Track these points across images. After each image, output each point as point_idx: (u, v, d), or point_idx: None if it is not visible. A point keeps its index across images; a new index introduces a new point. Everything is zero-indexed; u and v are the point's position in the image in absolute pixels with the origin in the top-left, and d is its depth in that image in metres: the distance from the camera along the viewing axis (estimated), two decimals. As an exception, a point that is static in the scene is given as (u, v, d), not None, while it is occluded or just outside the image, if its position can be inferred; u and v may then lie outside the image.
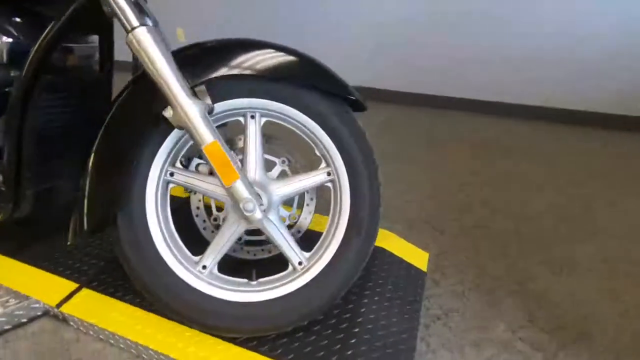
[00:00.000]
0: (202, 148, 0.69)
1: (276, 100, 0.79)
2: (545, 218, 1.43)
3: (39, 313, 0.98)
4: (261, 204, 0.73)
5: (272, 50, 0.78)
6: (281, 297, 0.82)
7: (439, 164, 1.79)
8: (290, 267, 0.86)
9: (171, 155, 0.80)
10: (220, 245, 0.83)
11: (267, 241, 0.95)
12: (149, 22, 0.68)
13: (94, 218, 0.74)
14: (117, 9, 0.65)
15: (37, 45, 0.78)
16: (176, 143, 0.80)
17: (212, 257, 0.83)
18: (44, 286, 1.01)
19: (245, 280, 0.85)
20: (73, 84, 0.90)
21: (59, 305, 0.96)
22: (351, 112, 0.84)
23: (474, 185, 1.61)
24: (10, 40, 0.84)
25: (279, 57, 0.77)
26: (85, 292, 1.01)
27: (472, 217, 1.41)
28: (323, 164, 0.86)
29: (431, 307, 1.02)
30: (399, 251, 1.14)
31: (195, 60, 0.75)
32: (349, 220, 0.84)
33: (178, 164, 0.83)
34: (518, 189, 1.63)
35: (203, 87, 0.73)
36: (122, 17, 0.66)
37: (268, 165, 0.96)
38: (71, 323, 0.95)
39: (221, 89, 0.77)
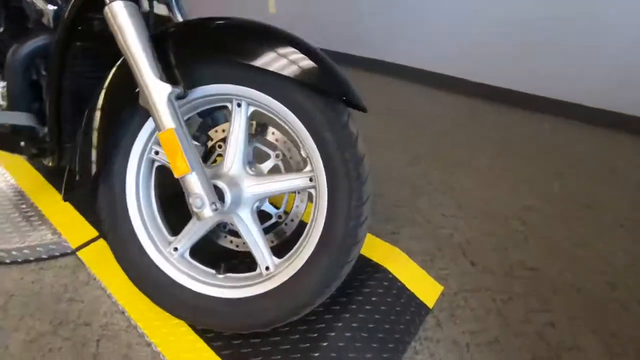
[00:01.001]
0: (157, 133, 0.66)
1: (262, 91, 0.71)
2: None
3: (67, 251, 1.13)
4: (214, 202, 0.68)
5: (270, 37, 0.70)
6: (240, 299, 0.78)
7: (517, 179, 1.48)
8: (257, 270, 0.81)
9: (155, 134, 0.79)
10: (193, 231, 0.81)
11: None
12: (128, -2, 0.66)
13: (81, 178, 0.78)
14: None
15: (67, 12, 0.84)
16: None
17: (183, 241, 0.82)
18: (74, 228, 1.15)
19: (214, 272, 0.83)
20: (103, 50, 0.94)
21: (77, 249, 1.09)
22: (345, 114, 0.71)
23: (543, 214, 1.28)
24: (55, 7, 0.91)
25: (274, 46, 0.68)
26: (101, 242, 1.12)
27: (521, 254, 1.14)
28: (308, 167, 0.76)
29: (420, 352, 0.86)
30: (406, 277, 0.99)
31: (184, 39, 0.71)
32: (321, 235, 0.74)
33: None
34: (601, 233, 1.25)
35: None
36: None
37: (262, 158, 0.90)
38: (84, 267, 1.08)
39: (205, 72, 0.72)
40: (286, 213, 0.94)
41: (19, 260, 1.11)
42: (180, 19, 0.93)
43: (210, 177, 0.78)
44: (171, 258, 0.82)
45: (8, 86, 0.98)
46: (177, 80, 0.70)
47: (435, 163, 1.58)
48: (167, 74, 0.69)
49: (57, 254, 1.13)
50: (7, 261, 1.11)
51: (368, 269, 1.00)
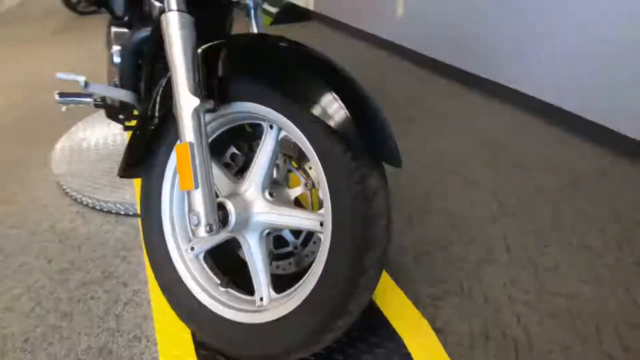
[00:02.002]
0: (175, 144, 0.67)
1: (292, 121, 0.66)
2: None
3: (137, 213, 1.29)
4: (210, 224, 0.65)
5: (315, 70, 0.65)
6: (227, 320, 0.77)
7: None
8: (254, 297, 0.78)
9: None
10: (206, 237, 0.83)
11: (294, 252, 0.89)
12: (184, 9, 0.67)
13: (132, 161, 0.85)
14: None
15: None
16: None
17: (200, 243, 0.84)
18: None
19: (218, 282, 0.84)
20: None
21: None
22: (367, 167, 0.61)
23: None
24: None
25: (316, 80, 0.63)
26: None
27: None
28: (322, 210, 0.68)
29: None
30: (422, 354, 0.83)
31: (228, 54, 0.70)
32: (313, 288, 0.66)
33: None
34: None
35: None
36: None
37: (295, 183, 0.85)
38: (142, 232, 1.22)
39: (241, 89, 0.71)
40: (304, 246, 0.88)
41: (104, 209, 1.32)
42: (255, 29, 0.93)
43: (228, 192, 0.78)
44: (186, 256, 0.85)
45: (121, 66, 1.15)
46: (211, 94, 0.69)
47: (527, 226, 1.28)
48: (203, 87, 0.69)
49: (130, 213, 1.31)
50: (97, 208, 1.33)
51: (382, 331, 0.87)
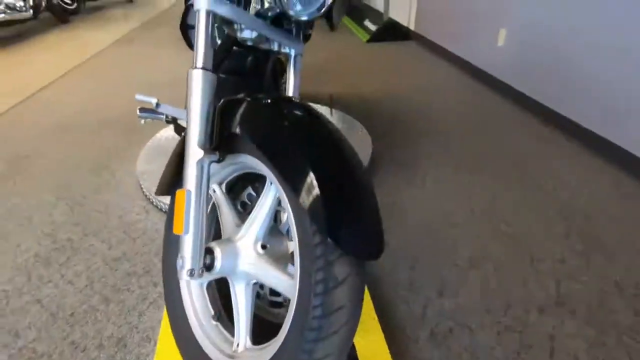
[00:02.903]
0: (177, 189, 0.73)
1: (284, 188, 0.67)
2: None
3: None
4: (192, 270, 0.70)
5: (319, 148, 0.65)
6: (205, 354, 0.81)
7: None
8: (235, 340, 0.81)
9: (217, 174, 0.88)
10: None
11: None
12: (210, 68, 0.73)
13: (165, 179, 0.96)
14: (195, 44, 0.74)
15: (217, 47, 1.02)
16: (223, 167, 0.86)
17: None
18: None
19: (212, 313, 0.89)
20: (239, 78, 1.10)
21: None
22: (339, 254, 0.59)
23: None
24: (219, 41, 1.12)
25: (317, 158, 0.62)
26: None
27: None
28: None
29: None
30: None
31: (244, 111, 0.74)
32: (278, 350, 0.66)
33: (222, 187, 0.90)
34: None
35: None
36: (195, 52, 0.74)
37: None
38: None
39: (248, 145, 0.74)
40: (293, 300, 0.88)
41: (163, 210, 1.51)
42: (292, 78, 0.95)
43: (228, 234, 0.82)
44: (185, 278, 0.92)
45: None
46: (219, 146, 0.74)
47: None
48: (214, 138, 0.74)
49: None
50: (158, 207, 1.53)
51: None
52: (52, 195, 1.63)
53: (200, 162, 0.72)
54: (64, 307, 1.13)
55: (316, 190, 0.57)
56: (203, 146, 0.72)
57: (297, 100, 0.78)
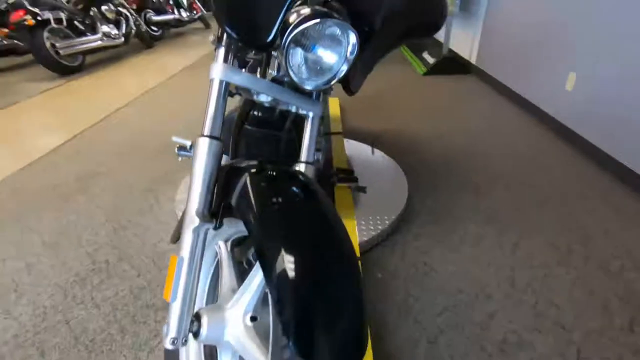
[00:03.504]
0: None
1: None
2: None
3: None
4: (175, 338, 0.69)
5: (302, 236, 0.63)
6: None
7: None
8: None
9: (224, 232, 0.88)
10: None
11: None
12: (217, 136, 0.74)
13: (178, 231, 0.99)
14: (206, 112, 0.76)
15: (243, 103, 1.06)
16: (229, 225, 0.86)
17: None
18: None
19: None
20: (262, 130, 1.12)
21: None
22: None
23: None
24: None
25: (292, 250, 0.60)
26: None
27: None
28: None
29: None
30: None
31: (245, 184, 0.74)
32: None
33: (227, 244, 0.90)
34: None
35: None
36: (204, 120, 0.76)
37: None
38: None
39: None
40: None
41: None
42: (307, 140, 0.93)
43: (223, 296, 0.81)
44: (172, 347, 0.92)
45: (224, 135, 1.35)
46: (216, 214, 0.74)
47: None
48: (213, 205, 0.74)
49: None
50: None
51: None
52: (103, 216, 1.79)
53: (196, 230, 0.72)
54: (87, 331, 1.21)
55: (290, 296, 0.54)
56: (201, 214, 0.73)
57: (300, 176, 0.75)
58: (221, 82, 0.77)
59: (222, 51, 0.78)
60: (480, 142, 2.39)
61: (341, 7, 0.75)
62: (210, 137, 0.75)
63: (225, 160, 1.30)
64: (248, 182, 0.72)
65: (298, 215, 0.64)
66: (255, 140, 1.13)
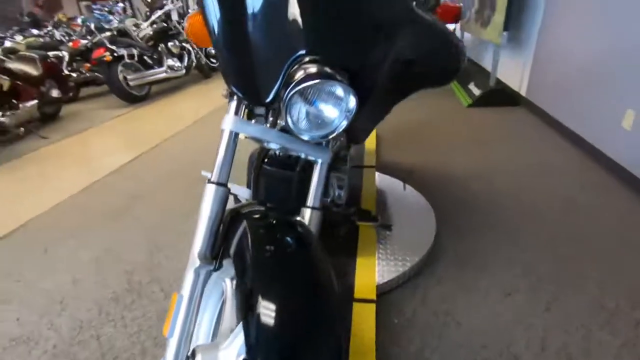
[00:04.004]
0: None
1: None
2: None
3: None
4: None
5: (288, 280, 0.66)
6: None
7: None
8: None
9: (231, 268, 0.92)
10: None
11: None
12: (224, 183, 0.80)
13: None
14: (215, 160, 0.82)
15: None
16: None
17: None
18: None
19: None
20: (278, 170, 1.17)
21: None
22: None
23: None
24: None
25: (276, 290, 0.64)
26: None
27: None
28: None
29: None
30: None
31: (241, 229, 0.78)
32: None
33: (233, 282, 0.94)
34: None
35: None
36: (213, 168, 0.82)
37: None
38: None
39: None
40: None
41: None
42: (314, 186, 0.95)
43: (222, 332, 0.84)
44: None
45: (247, 170, 1.42)
46: (217, 257, 0.78)
47: None
48: (215, 247, 0.79)
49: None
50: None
51: None
52: (144, 237, 1.94)
53: (196, 271, 0.77)
54: (113, 349, 1.30)
55: (261, 344, 0.56)
56: (202, 255, 0.78)
57: (298, 226, 0.78)
58: (231, 132, 0.83)
59: (233, 104, 0.84)
60: (525, 182, 2.24)
61: (343, 67, 0.78)
62: (217, 184, 0.81)
63: (248, 194, 1.37)
64: (246, 229, 0.75)
65: (286, 266, 0.66)
66: (272, 179, 1.18)
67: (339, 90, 0.74)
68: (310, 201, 0.94)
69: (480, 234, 1.79)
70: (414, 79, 0.98)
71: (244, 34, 0.75)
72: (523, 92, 3.57)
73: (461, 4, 5.26)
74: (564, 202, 2.00)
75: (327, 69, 0.72)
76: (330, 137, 0.80)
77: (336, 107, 0.77)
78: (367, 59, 0.80)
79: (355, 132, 0.94)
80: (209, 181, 0.82)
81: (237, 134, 0.84)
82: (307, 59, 0.74)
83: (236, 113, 0.85)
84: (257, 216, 0.80)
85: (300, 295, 0.62)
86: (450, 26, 5.82)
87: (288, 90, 0.72)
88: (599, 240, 1.69)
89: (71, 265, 1.76)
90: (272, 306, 0.59)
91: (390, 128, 3.24)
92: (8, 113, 3.34)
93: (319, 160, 0.94)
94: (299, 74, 0.72)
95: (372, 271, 1.49)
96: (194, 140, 3.41)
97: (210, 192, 0.80)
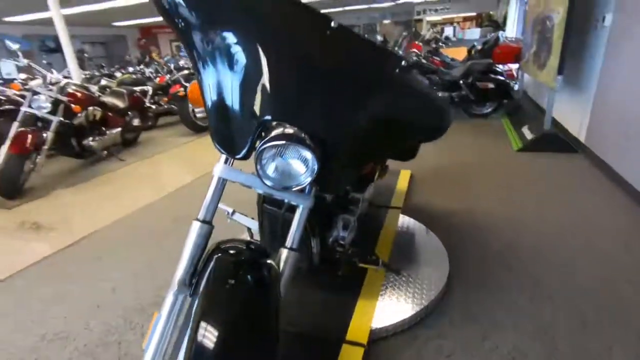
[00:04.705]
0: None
1: None
2: None
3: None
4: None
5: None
6: None
7: None
8: None
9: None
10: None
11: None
12: (209, 221, 0.93)
13: None
14: (204, 200, 0.97)
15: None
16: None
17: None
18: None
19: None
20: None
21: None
22: None
23: None
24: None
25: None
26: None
27: None
28: None
29: None
30: None
31: (212, 264, 0.90)
32: None
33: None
34: None
35: None
36: (201, 206, 0.96)
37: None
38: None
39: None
40: None
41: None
42: (294, 228, 1.04)
43: None
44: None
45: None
46: (192, 283, 0.91)
47: None
48: (193, 276, 0.92)
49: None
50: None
51: None
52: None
53: (175, 294, 0.90)
54: (128, 355, 1.47)
55: None
56: (182, 281, 0.91)
57: (264, 269, 0.87)
58: (219, 178, 0.98)
59: (224, 155, 0.99)
60: (567, 240, 2.07)
61: (307, 130, 0.88)
62: (202, 221, 0.95)
63: (254, 225, 1.49)
64: (212, 264, 0.87)
65: (232, 301, 0.76)
66: (270, 217, 1.30)
67: (300, 152, 0.85)
68: (288, 242, 1.03)
69: (497, 289, 1.69)
70: (393, 137, 1.05)
71: (224, 99, 0.90)
72: (582, 139, 3.31)
73: (521, 45, 5.11)
74: (609, 269, 1.80)
75: (291, 132, 0.84)
76: (296, 188, 0.90)
77: (303, 163, 0.88)
78: (333, 124, 0.90)
79: (327, 184, 1.02)
80: (196, 218, 0.96)
81: (225, 180, 0.98)
82: (274, 123, 0.86)
83: (225, 162, 0.99)
84: (232, 252, 0.92)
85: (234, 329, 0.70)
86: (513, 66, 5.65)
87: (257, 148, 0.85)
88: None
89: (115, 275, 2.03)
90: (207, 336, 0.69)
91: (428, 168, 3.21)
92: (97, 138, 3.97)
93: (300, 206, 1.04)
94: (268, 135, 0.84)
95: (370, 314, 1.50)
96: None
97: (195, 228, 0.94)
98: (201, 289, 0.85)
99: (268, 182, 0.90)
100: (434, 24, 14.58)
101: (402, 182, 2.89)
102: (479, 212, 2.41)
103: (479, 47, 5.96)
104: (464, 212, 2.43)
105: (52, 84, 3.56)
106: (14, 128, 3.24)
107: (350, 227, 1.59)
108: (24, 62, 3.52)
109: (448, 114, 1.06)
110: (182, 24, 0.86)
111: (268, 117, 0.86)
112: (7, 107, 3.86)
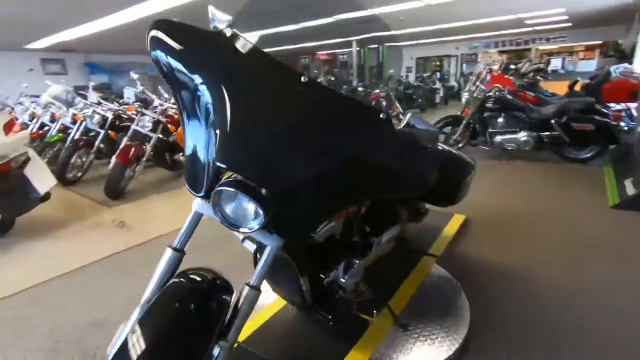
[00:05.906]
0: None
1: None
2: None
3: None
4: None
5: None
6: None
7: None
8: None
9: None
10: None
11: None
12: (181, 249, 1.04)
13: None
14: (181, 229, 1.08)
15: None
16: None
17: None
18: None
19: None
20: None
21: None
22: None
23: None
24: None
25: None
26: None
27: None
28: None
29: None
30: None
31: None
32: None
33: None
34: None
35: None
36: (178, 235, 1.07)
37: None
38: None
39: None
40: None
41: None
42: (259, 267, 1.07)
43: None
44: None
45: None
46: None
47: None
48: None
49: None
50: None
51: None
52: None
53: (139, 310, 1.01)
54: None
55: None
56: (146, 301, 1.02)
57: (212, 300, 0.94)
58: (196, 212, 1.08)
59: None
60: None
61: (259, 181, 0.92)
62: (174, 249, 1.05)
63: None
64: (165, 287, 0.96)
65: (163, 323, 0.83)
66: (256, 252, 1.36)
67: (248, 201, 0.90)
68: (252, 280, 1.07)
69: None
70: (364, 188, 1.02)
71: (195, 144, 1.02)
72: None
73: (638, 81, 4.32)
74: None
75: (240, 180, 0.90)
76: (249, 231, 0.95)
77: (253, 209, 0.92)
78: (285, 177, 0.93)
79: (284, 230, 1.03)
80: (169, 246, 1.07)
81: (201, 214, 1.08)
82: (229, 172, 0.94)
83: (203, 199, 1.09)
84: (186, 280, 1.00)
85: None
86: (632, 105, 4.80)
87: (213, 191, 0.93)
88: None
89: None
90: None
91: (489, 213, 2.89)
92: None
93: (269, 247, 1.08)
94: (221, 181, 0.92)
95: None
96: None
97: (166, 255, 1.05)
98: (150, 306, 0.95)
99: (226, 223, 0.96)
100: (542, 54, 13.28)
101: (451, 227, 2.65)
102: (534, 279, 2.07)
103: (587, 81, 5.21)
104: (515, 275, 2.11)
105: (155, 107, 4.29)
106: (124, 142, 3.98)
107: (352, 271, 1.54)
108: (140, 89, 4.33)
109: (427, 174, 0.99)
110: (174, 81, 1.00)
111: (223, 166, 0.94)
112: (125, 124, 4.76)
